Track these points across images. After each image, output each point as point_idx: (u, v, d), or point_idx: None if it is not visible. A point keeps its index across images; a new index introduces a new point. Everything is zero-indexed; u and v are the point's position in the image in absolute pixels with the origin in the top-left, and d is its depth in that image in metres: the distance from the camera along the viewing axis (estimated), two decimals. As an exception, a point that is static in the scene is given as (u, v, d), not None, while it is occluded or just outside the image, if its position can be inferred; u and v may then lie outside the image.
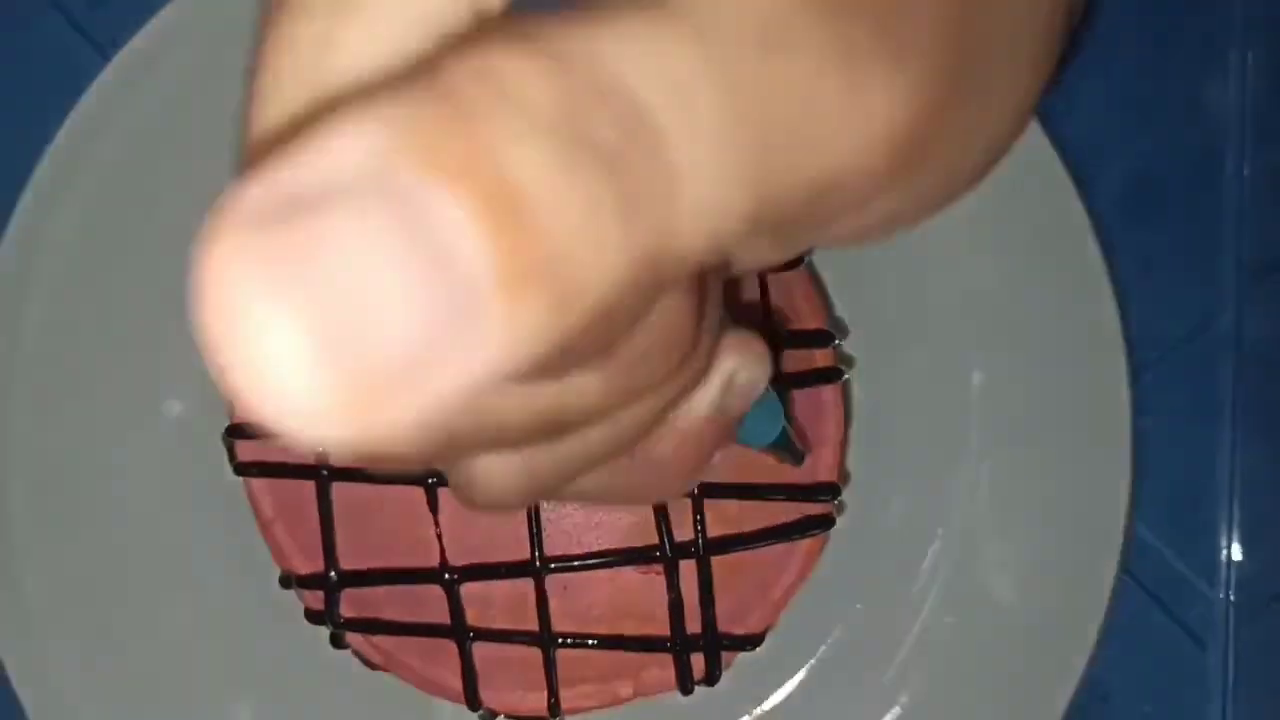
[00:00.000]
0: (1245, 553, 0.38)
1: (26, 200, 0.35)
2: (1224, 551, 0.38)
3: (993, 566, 0.35)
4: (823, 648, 0.34)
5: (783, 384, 0.29)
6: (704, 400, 0.16)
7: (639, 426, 0.14)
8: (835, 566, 0.34)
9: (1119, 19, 0.39)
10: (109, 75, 0.35)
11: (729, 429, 0.17)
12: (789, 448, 0.25)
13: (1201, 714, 0.38)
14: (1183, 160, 0.39)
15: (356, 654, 0.31)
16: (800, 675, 0.34)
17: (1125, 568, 0.37)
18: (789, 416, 0.23)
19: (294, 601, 0.31)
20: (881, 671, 0.35)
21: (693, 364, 0.14)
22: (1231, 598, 0.38)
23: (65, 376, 0.35)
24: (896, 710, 0.35)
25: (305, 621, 0.31)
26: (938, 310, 0.36)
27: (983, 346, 0.36)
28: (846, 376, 0.33)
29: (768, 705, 0.34)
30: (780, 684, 0.34)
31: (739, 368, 0.16)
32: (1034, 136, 0.35)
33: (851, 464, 0.35)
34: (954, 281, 0.36)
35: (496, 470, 0.14)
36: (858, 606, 0.34)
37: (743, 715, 0.34)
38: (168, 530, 0.35)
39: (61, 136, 0.35)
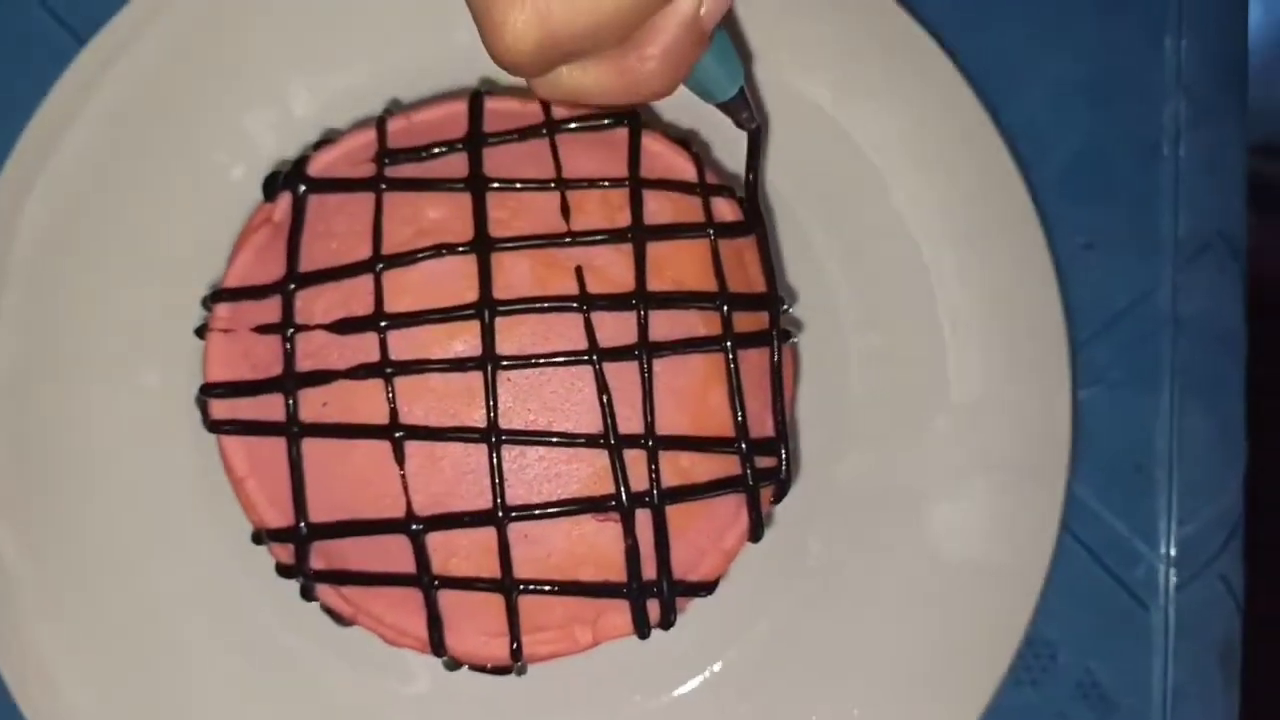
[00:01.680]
0: (1184, 516, 0.40)
1: (3, 181, 0.36)
2: (1164, 515, 0.40)
3: (941, 527, 0.37)
4: (775, 603, 0.36)
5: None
6: (684, 6, 0.23)
7: (636, 8, 0.22)
8: (790, 521, 0.36)
9: (1061, 7, 0.41)
10: (85, 57, 0.36)
11: (701, 41, 0.24)
12: (746, 106, 0.31)
13: (1145, 671, 0.39)
14: (1121, 143, 0.41)
15: (325, 609, 0.32)
16: (754, 630, 0.36)
17: (1071, 532, 0.39)
18: (748, 81, 0.30)
19: (264, 566, 0.32)
20: (830, 629, 0.36)
21: None
22: (1172, 559, 0.40)
23: (44, 352, 0.36)
24: (843, 666, 0.36)
25: (274, 583, 0.32)
26: (889, 286, 0.38)
27: (930, 321, 0.37)
28: (795, 340, 0.34)
29: (726, 657, 0.35)
30: (735, 638, 0.36)
31: None
32: (981, 122, 0.37)
33: (805, 424, 0.37)
34: (905, 259, 0.38)
35: (519, 19, 0.21)
36: (809, 559, 0.36)
37: (704, 666, 0.36)
38: (143, 495, 0.36)
39: (38, 119, 0.36)
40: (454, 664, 0.31)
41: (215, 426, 0.31)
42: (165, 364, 0.36)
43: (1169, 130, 0.42)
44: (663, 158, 0.32)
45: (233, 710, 0.35)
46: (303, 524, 0.30)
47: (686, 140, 0.34)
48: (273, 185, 0.33)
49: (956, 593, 0.36)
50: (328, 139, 0.34)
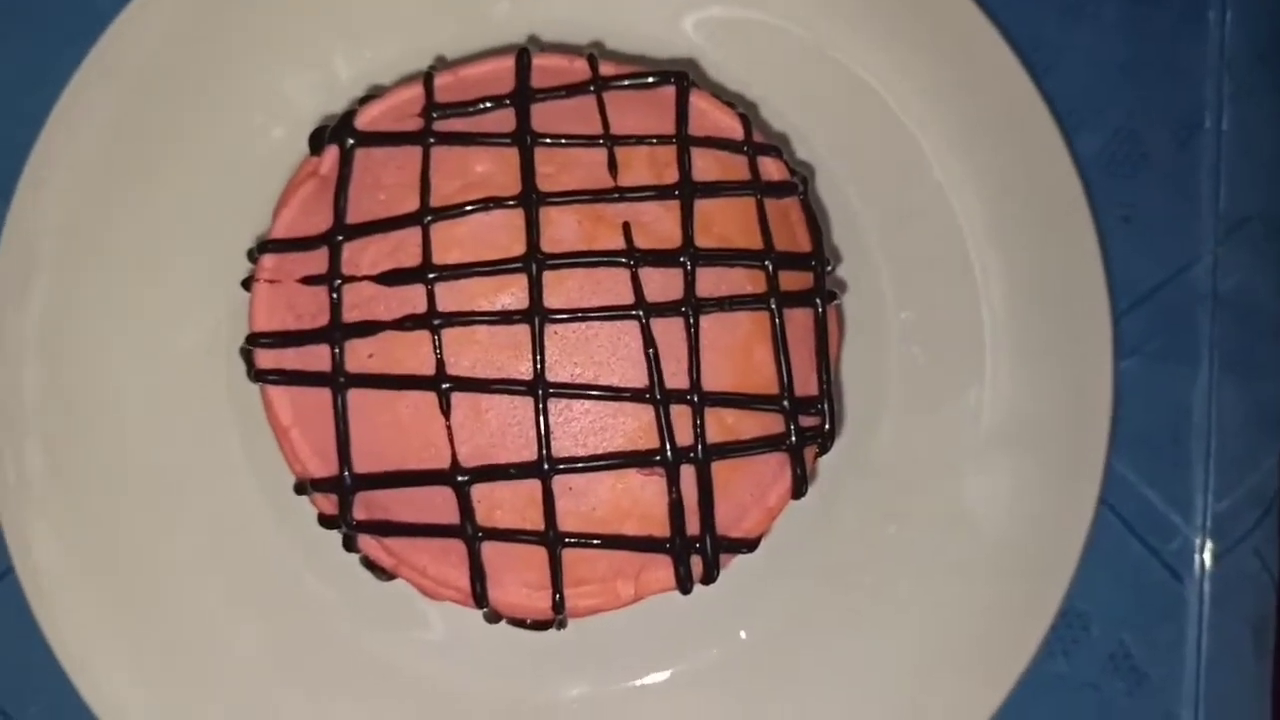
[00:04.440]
0: (1220, 491, 0.40)
1: (44, 137, 0.36)
2: (1200, 489, 0.40)
3: (977, 498, 0.37)
4: (814, 565, 0.36)
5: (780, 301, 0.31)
6: None
7: None
8: (827, 489, 0.36)
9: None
10: (124, 19, 0.36)
11: None
12: None
13: (1178, 643, 0.39)
14: (1162, 117, 0.41)
15: (365, 563, 0.32)
16: (788, 594, 0.36)
17: (1107, 504, 0.39)
18: None
19: (302, 521, 0.32)
20: (866, 596, 0.36)
21: None
22: (1208, 531, 0.40)
23: (82, 305, 0.36)
24: (878, 633, 0.36)
25: (300, 536, 0.32)
26: (929, 257, 0.38)
27: (974, 294, 0.37)
28: (839, 300, 0.34)
29: (761, 616, 0.36)
30: (774, 598, 0.36)
31: None
32: (1029, 99, 0.37)
33: (848, 391, 0.37)
34: (952, 233, 0.37)
35: None
36: (846, 526, 0.36)
37: (740, 627, 0.36)
38: (176, 447, 0.36)
39: (78, 77, 0.36)
40: (494, 616, 0.31)
41: (260, 376, 0.31)
42: (201, 321, 0.37)
43: (1211, 105, 0.41)
44: (710, 116, 0.32)
45: (256, 656, 0.36)
46: (347, 474, 0.30)
47: (733, 100, 0.34)
48: (319, 139, 0.33)
49: (992, 564, 0.36)
50: (373, 94, 0.34)
